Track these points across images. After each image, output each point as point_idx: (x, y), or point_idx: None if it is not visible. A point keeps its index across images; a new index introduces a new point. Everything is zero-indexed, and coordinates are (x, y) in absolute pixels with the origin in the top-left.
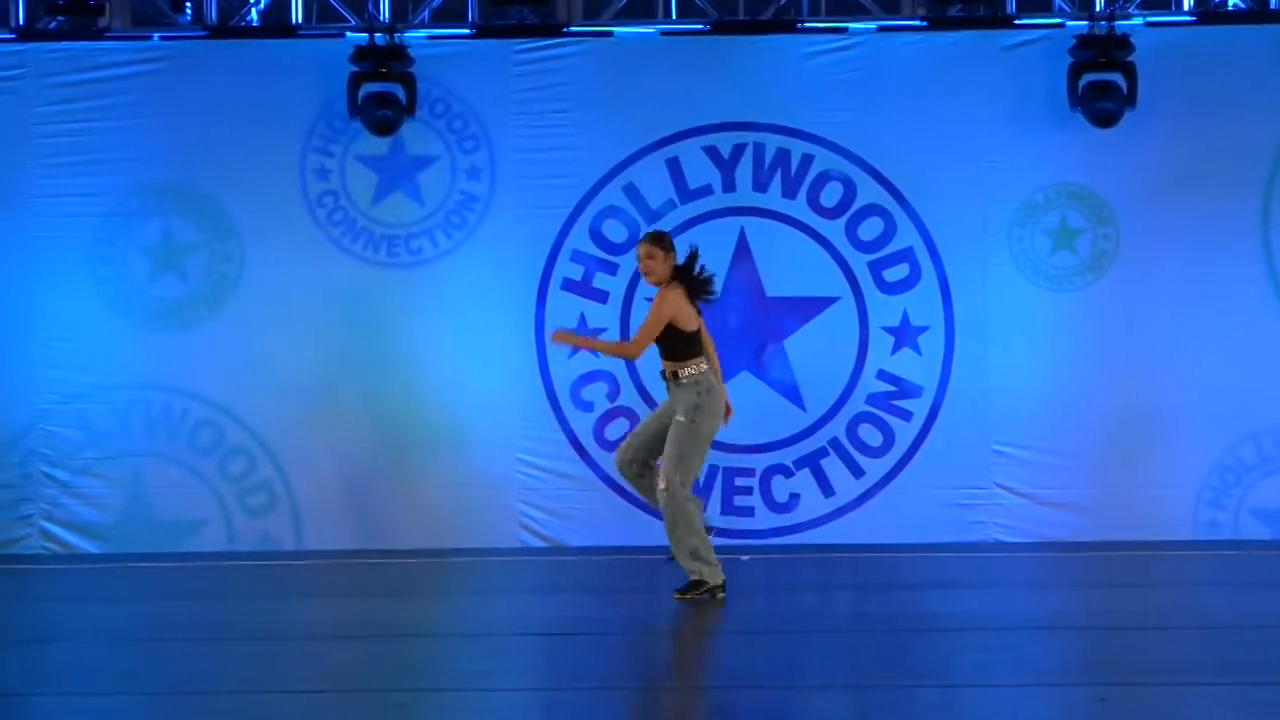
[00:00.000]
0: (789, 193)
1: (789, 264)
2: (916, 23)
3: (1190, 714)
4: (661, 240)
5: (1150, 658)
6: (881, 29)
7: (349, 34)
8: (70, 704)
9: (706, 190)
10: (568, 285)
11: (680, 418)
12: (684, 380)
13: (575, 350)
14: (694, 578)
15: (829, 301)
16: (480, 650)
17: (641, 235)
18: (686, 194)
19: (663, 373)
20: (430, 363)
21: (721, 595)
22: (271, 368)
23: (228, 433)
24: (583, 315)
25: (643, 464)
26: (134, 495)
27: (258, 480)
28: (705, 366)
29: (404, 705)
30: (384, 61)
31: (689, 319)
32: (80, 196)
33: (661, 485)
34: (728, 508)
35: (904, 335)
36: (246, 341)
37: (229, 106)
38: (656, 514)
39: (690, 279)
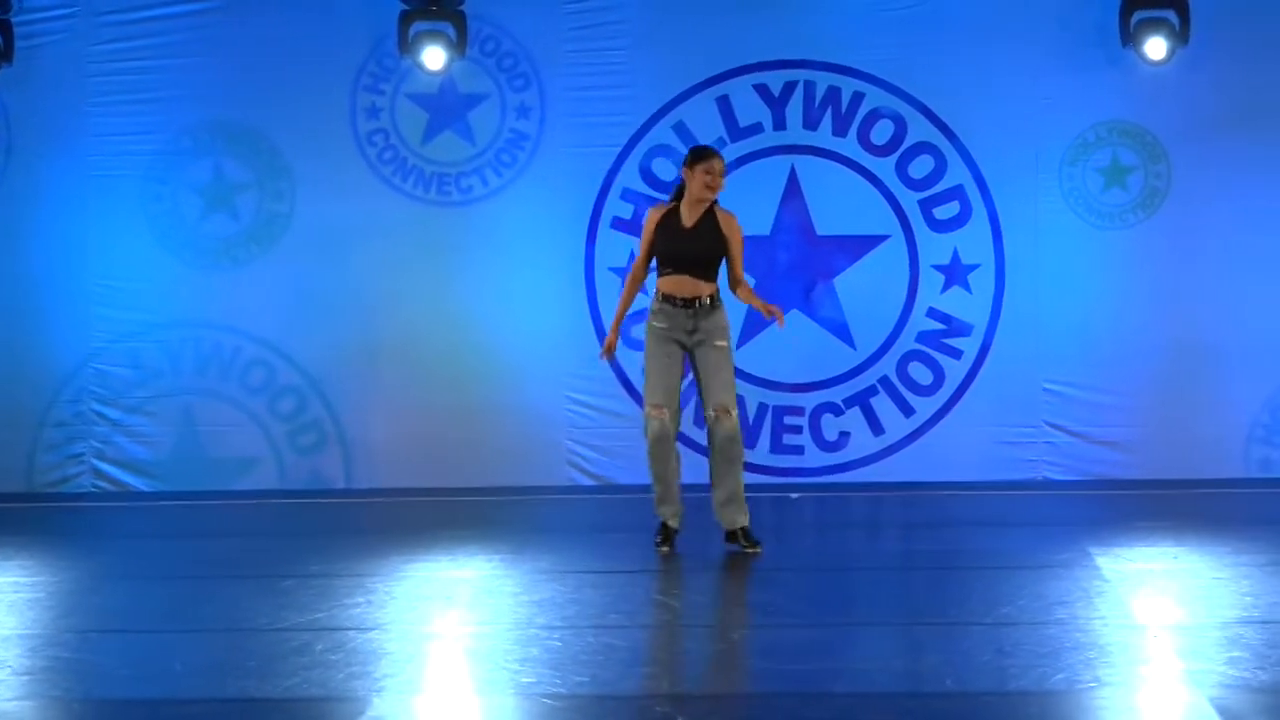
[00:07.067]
0: (839, 130)
1: (839, 202)
2: None
3: (1248, 646)
4: None
5: (1209, 595)
6: None
7: None
8: (118, 640)
9: (757, 128)
10: (617, 224)
11: (721, 342)
12: (718, 303)
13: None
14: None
15: (879, 240)
16: (553, 586)
17: (713, 153)
18: (737, 132)
19: (691, 300)
20: (480, 301)
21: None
22: (322, 306)
23: (278, 371)
24: (632, 253)
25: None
26: (185, 433)
27: (308, 419)
28: None
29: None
30: None
31: None
32: (132, 135)
33: (732, 418)
34: (777, 446)
35: (954, 273)
36: (297, 280)
37: (280, 45)
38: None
39: None
